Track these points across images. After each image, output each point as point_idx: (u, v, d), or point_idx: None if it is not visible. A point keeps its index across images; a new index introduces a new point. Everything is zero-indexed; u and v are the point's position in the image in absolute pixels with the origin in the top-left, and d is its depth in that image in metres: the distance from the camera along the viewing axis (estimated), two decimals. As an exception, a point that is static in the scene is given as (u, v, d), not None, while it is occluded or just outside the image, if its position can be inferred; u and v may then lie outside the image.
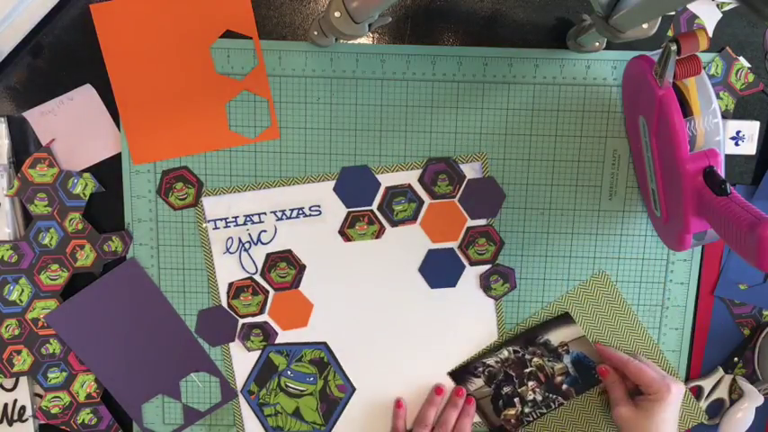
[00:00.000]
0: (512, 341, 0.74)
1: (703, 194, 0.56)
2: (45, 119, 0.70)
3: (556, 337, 0.74)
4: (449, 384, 0.75)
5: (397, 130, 0.71)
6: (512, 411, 0.75)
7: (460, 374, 0.75)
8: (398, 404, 0.74)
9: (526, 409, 0.75)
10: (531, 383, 0.74)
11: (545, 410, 0.75)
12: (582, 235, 0.73)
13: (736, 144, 0.70)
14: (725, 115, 0.71)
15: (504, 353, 0.74)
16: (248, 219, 0.72)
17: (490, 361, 0.74)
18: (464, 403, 0.74)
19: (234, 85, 0.70)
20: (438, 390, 0.74)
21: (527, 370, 0.74)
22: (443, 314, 0.74)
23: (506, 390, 0.74)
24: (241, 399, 0.75)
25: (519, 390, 0.74)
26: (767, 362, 0.74)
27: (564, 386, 0.74)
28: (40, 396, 0.74)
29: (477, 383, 0.74)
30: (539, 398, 0.75)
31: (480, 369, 0.74)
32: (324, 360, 0.75)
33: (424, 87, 0.70)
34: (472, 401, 0.74)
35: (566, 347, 0.74)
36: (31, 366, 0.73)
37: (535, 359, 0.74)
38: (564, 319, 0.74)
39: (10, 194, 0.70)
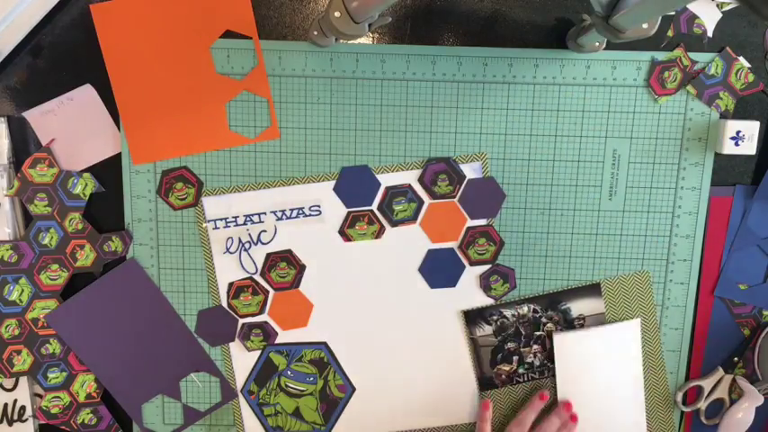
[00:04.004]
0: (536, 299, 0.74)
1: None
2: (45, 119, 0.70)
3: (577, 307, 0.74)
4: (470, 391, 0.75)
5: (397, 130, 0.71)
6: (506, 368, 0.75)
7: (473, 316, 0.74)
8: (485, 406, 0.74)
9: (521, 370, 0.75)
10: (535, 346, 0.75)
11: (537, 376, 0.75)
12: (582, 235, 0.73)
13: (736, 144, 0.70)
14: (725, 115, 0.72)
15: (524, 308, 0.74)
16: (248, 219, 0.72)
17: (507, 312, 0.74)
18: (569, 419, 0.74)
19: (234, 85, 0.70)
20: (542, 396, 0.74)
21: (537, 333, 0.74)
22: (443, 314, 0.74)
23: (510, 345, 0.74)
24: (241, 399, 0.75)
25: (522, 349, 0.75)
26: (767, 362, 0.74)
27: None
28: (40, 396, 0.74)
29: (485, 330, 0.74)
30: (536, 363, 0.75)
31: (495, 317, 0.74)
32: (324, 360, 0.75)
33: (424, 87, 0.70)
34: (576, 419, 0.74)
35: (582, 321, 0.74)
36: (31, 366, 0.73)
37: (549, 325, 0.74)
38: (592, 289, 0.74)
39: (10, 194, 0.70)
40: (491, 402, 0.74)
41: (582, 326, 0.74)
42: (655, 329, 0.75)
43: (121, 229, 0.72)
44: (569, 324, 0.74)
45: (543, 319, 0.74)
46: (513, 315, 0.74)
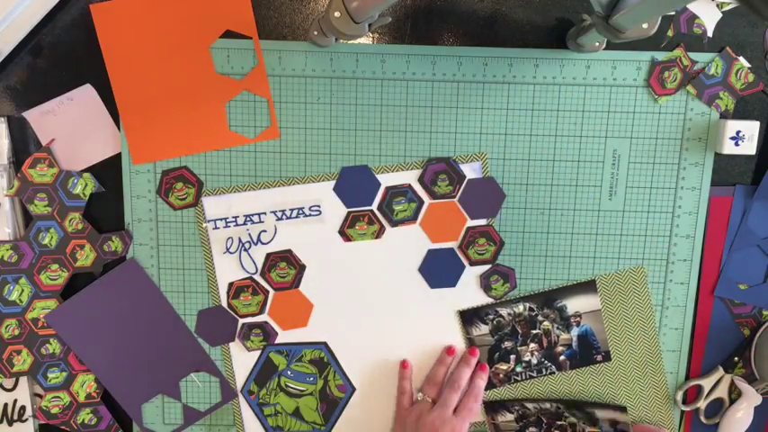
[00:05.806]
0: (531, 298, 0.74)
1: None
2: (45, 119, 0.70)
3: (573, 305, 0.74)
4: (460, 347, 0.75)
5: (397, 130, 0.71)
6: (504, 366, 0.75)
7: (469, 316, 0.74)
8: (404, 365, 0.74)
9: (518, 369, 0.75)
10: (532, 345, 0.75)
11: (535, 375, 0.75)
12: (582, 235, 0.73)
13: (736, 144, 0.70)
14: (725, 115, 0.72)
15: (520, 307, 0.74)
16: (248, 219, 0.72)
17: (503, 311, 0.74)
18: (478, 365, 0.74)
19: (234, 85, 0.70)
20: (449, 350, 0.74)
21: (534, 331, 0.74)
22: (443, 314, 0.74)
23: (507, 344, 0.74)
24: (241, 399, 0.75)
25: (519, 348, 0.75)
26: (764, 361, 0.74)
27: (561, 357, 0.75)
28: (40, 396, 0.74)
29: (482, 330, 0.74)
30: (534, 361, 0.75)
31: (491, 316, 0.74)
32: (324, 360, 0.75)
33: (424, 87, 0.70)
34: (485, 367, 0.74)
35: (578, 319, 0.74)
36: (31, 366, 0.73)
37: (545, 323, 0.74)
38: (588, 286, 0.74)
39: (10, 194, 0.70)
40: (410, 363, 0.74)
41: (578, 324, 0.74)
42: (652, 327, 0.75)
43: (121, 229, 0.72)
44: (566, 322, 0.74)
45: (539, 318, 0.74)
46: (509, 314, 0.74)
